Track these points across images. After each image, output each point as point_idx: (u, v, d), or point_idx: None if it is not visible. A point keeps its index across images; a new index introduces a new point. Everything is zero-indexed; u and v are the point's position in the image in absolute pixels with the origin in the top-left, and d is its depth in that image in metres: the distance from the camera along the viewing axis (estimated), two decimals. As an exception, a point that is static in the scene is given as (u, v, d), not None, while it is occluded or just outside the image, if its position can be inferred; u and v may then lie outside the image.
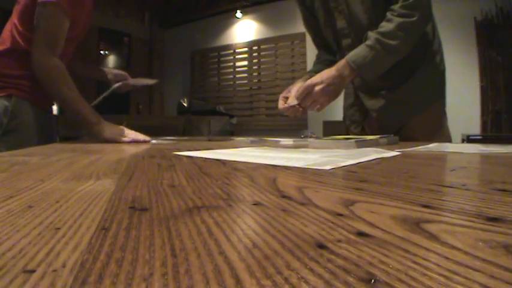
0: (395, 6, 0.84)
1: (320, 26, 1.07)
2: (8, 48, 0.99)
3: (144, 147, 0.76)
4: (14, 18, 1.01)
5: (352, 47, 0.95)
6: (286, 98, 0.95)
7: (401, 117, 0.96)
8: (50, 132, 1.14)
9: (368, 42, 0.85)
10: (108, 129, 0.97)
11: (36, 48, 0.94)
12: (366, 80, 0.91)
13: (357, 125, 1.11)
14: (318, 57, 1.17)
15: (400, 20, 0.83)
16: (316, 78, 0.86)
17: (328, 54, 1.12)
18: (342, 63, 0.87)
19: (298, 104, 0.90)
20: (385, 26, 0.84)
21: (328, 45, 1.11)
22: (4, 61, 0.98)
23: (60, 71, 0.96)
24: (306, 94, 0.87)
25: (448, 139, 0.95)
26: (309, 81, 0.86)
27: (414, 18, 0.82)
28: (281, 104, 0.96)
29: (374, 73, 0.88)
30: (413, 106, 0.94)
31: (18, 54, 0.98)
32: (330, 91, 0.86)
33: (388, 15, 0.84)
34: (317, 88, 0.86)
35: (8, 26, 1.02)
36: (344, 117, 1.19)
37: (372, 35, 0.85)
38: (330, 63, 1.00)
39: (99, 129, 0.96)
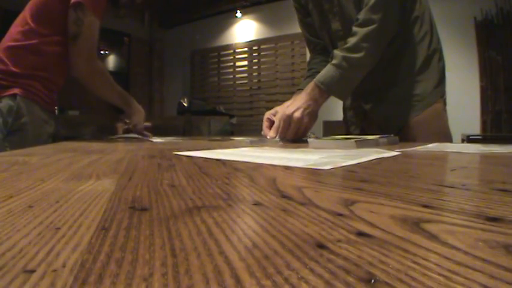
0: (360, 14, 0.84)
1: (315, 27, 1.07)
2: (17, 45, 0.97)
3: (144, 146, 0.76)
4: (26, 14, 0.99)
5: None
6: (272, 122, 0.94)
7: (400, 118, 0.96)
8: (56, 132, 1.14)
9: (334, 61, 0.85)
10: (135, 116, 1.19)
11: (81, 56, 1.00)
12: (340, 99, 0.91)
13: (356, 126, 1.11)
14: (309, 67, 1.15)
15: (363, 30, 0.83)
16: (290, 107, 0.87)
17: (322, 56, 1.12)
18: (310, 86, 0.87)
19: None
20: (350, 41, 0.84)
21: (323, 47, 1.11)
22: (12, 59, 0.97)
23: (105, 73, 1.08)
24: (287, 126, 0.86)
25: (448, 139, 0.95)
26: (286, 112, 0.86)
27: (375, 26, 0.82)
28: (266, 128, 0.95)
29: (345, 90, 0.88)
30: (411, 107, 0.94)
31: (28, 52, 0.97)
32: (309, 113, 0.86)
33: (353, 28, 0.85)
34: (296, 115, 0.85)
35: (18, 22, 1.00)
36: (344, 118, 1.19)
37: (337, 53, 0.85)
38: None
39: (130, 114, 1.19)
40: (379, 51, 0.86)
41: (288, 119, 0.85)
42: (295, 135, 0.87)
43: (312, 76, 1.10)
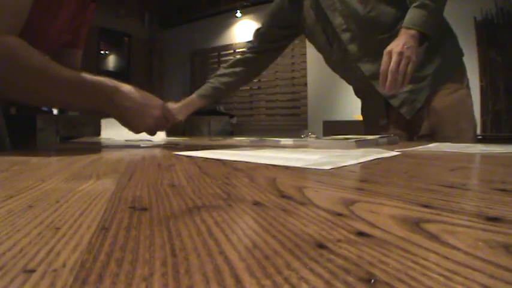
0: None
1: (308, 25, 1.07)
2: None
3: (144, 146, 0.76)
4: None
5: (352, 40, 0.98)
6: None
7: (419, 96, 0.95)
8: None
9: (416, 3, 0.86)
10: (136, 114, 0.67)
11: None
12: (430, 34, 0.88)
13: (381, 118, 1.08)
14: (209, 79, 1.23)
15: None
16: (391, 45, 0.83)
17: (231, 69, 1.21)
18: (402, 33, 0.85)
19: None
20: None
21: (254, 54, 1.17)
22: None
23: (15, 55, 0.52)
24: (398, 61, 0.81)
25: (473, 123, 0.98)
26: (394, 49, 0.82)
27: None
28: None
29: (434, 25, 0.89)
30: (428, 82, 0.95)
31: None
32: (414, 52, 0.83)
33: None
34: (405, 51, 0.81)
35: None
36: (364, 118, 1.17)
37: None
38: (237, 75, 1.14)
39: (118, 113, 0.66)
40: None
41: (400, 55, 0.82)
42: (404, 74, 0.82)
43: (226, 75, 1.20)
